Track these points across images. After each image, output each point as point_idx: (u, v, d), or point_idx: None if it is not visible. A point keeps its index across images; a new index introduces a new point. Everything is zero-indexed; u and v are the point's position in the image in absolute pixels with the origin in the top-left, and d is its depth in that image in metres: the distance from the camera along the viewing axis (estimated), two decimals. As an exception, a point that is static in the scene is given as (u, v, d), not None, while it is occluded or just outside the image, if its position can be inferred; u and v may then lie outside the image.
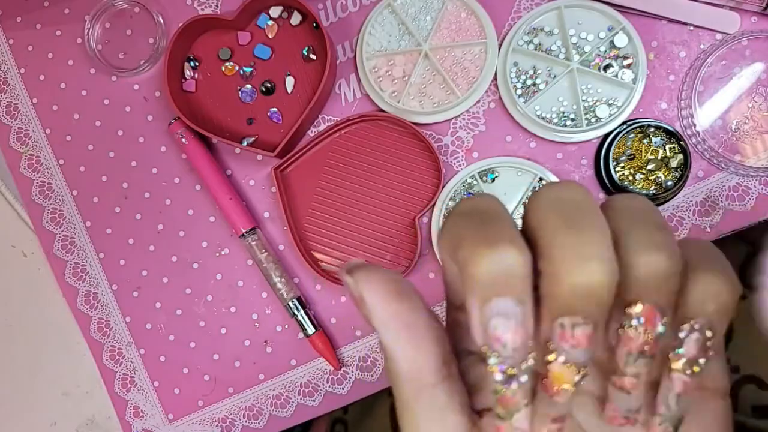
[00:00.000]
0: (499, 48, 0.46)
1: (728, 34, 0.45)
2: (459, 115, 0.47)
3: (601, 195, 0.46)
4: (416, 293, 0.17)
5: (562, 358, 0.15)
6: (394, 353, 0.16)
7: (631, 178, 0.45)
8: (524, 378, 0.16)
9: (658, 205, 0.45)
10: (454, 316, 0.20)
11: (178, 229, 0.50)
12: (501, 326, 0.15)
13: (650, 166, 0.45)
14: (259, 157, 0.49)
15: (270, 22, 0.49)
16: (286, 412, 0.49)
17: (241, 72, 0.49)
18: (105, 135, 0.51)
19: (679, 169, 0.45)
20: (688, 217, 0.45)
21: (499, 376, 0.15)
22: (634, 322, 0.15)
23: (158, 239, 0.50)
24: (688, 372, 0.16)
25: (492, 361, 0.15)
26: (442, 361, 0.17)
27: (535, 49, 0.46)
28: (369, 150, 0.48)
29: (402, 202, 0.47)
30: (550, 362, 0.16)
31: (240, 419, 0.50)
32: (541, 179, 0.46)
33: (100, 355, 0.51)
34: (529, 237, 0.18)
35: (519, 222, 0.22)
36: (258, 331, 0.49)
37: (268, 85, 0.49)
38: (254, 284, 0.50)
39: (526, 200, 0.46)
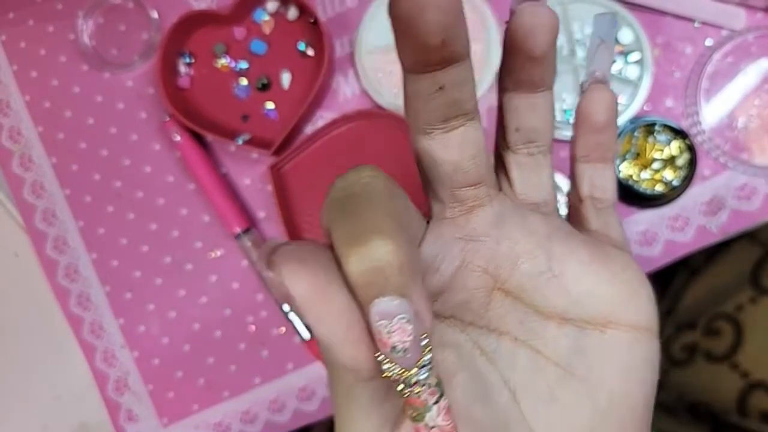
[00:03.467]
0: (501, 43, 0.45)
1: (734, 30, 0.44)
2: (460, 113, 0.46)
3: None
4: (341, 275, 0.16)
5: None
6: (331, 348, 0.15)
7: (636, 176, 0.44)
8: (424, 375, 0.15)
9: (664, 204, 0.44)
10: None
11: (172, 229, 0.49)
12: (384, 329, 0.14)
13: (656, 165, 0.44)
14: (255, 156, 0.48)
15: (266, 17, 0.48)
16: (283, 416, 0.48)
17: (237, 68, 0.48)
18: (98, 133, 0.50)
19: (685, 168, 0.44)
20: (695, 217, 0.44)
21: (399, 385, 0.15)
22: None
23: (152, 239, 0.49)
24: None
25: (385, 367, 0.15)
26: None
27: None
28: (367, 148, 0.47)
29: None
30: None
31: (236, 423, 0.49)
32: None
33: (92, 357, 0.50)
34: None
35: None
36: (254, 334, 0.48)
37: (264, 81, 0.48)
38: (250, 286, 0.48)
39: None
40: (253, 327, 0.49)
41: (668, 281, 0.59)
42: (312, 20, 0.47)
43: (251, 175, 0.49)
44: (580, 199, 0.21)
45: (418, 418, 0.15)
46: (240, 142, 0.47)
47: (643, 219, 0.45)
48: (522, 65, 0.18)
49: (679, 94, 0.45)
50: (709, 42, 0.45)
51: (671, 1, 0.44)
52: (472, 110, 0.18)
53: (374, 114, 0.47)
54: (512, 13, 0.17)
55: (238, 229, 0.47)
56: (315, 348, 0.46)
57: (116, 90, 0.50)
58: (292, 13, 0.47)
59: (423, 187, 0.20)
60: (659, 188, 0.44)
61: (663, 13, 0.45)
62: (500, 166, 0.21)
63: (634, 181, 0.44)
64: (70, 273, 0.50)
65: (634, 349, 0.19)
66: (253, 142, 0.47)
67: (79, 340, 0.50)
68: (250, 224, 0.47)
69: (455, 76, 0.16)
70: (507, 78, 0.19)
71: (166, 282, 0.49)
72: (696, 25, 0.45)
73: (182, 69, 0.49)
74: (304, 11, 0.47)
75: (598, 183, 0.21)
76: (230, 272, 0.49)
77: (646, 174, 0.44)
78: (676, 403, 0.54)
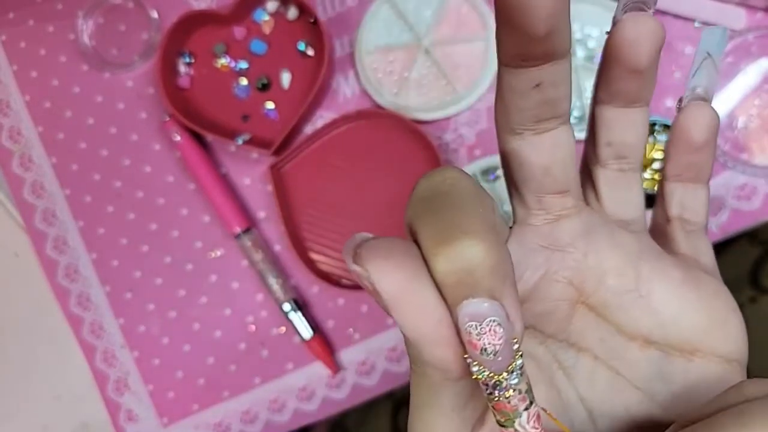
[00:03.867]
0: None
1: (734, 30, 0.44)
2: (460, 112, 0.46)
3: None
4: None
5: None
6: (419, 347, 0.14)
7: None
8: (515, 380, 0.14)
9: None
10: None
11: (172, 229, 0.49)
12: (474, 331, 0.13)
13: (656, 165, 0.44)
14: (255, 156, 0.48)
15: (266, 17, 0.48)
16: (283, 416, 0.48)
17: (237, 68, 0.48)
18: (98, 133, 0.50)
19: (685, 168, 0.43)
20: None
21: (488, 389, 0.14)
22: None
23: (152, 239, 0.49)
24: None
25: (474, 370, 0.14)
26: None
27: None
28: (367, 148, 0.47)
29: (401, 201, 0.46)
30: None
31: (236, 423, 0.49)
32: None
33: (92, 357, 0.50)
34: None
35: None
36: (254, 334, 0.48)
37: (264, 81, 0.48)
38: (250, 286, 0.48)
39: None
40: (253, 327, 0.49)
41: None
42: (312, 20, 0.47)
43: (251, 175, 0.49)
44: (667, 219, 0.20)
45: (507, 424, 0.14)
46: (240, 142, 0.47)
47: (643, 219, 0.45)
48: (621, 77, 0.17)
49: (680, 94, 0.45)
50: (709, 42, 0.45)
51: (671, 1, 0.44)
52: (565, 112, 0.17)
53: (374, 114, 0.46)
54: (615, 22, 0.17)
55: (238, 229, 0.47)
56: (315, 348, 0.46)
57: (116, 90, 0.50)
58: (292, 12, 0.47)
59: (508, 190, 0.19)
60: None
61: (663, 12, 0.45)
62: (588, 180, 0.20)
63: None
64: (70, 273, 0.50)
65: (722, 383, 0.18)
66: (253, 142, 0.47)
67: (79, 340, 0.50)
68: (250, 224, 0.47)
69: (554, 75, 0.16)
70: (602, 89, 0.18)
71: (166, 282, 0.49)
72: (696, 24, 0.45)
73: (182, 69, 0.49)
74: (304, 11, 0.47)
75: (690, 204, 0.20)
76: (230, 272, 0.49)
77: (646, 174, 0.44)
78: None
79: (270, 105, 0.48)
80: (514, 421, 0.14)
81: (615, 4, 0.47)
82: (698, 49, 0.19)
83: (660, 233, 0.21)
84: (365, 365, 0.47)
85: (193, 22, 0.47)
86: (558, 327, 0.19)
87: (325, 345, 0.47)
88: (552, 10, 0.14)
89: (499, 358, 0.14)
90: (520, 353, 0.14)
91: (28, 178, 0.51)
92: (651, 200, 0.45)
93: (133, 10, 0.50)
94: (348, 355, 0.48)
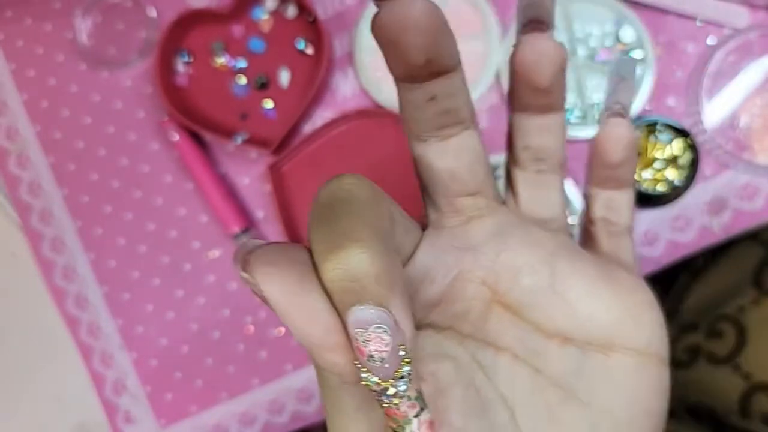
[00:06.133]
0: (502, 42, 0.45)
1: (737, 29, 0.44)
2: (460, 112, 0.46)
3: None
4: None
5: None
6: (313, 353, 0.15)
7: (638, 176, 0.43)
8: (402, 387, 0.14)
9: (666, 203, 0.44)
10: None
11: (170, 230, 0.49)
12: (361, 338, 0.14)
13: (657, 165, 0.43)
14: (254, 155, 0.48)
15: (265, 15, 0.47)
16: (281, 418, 0.48)
17: (235, 66, 0.48)
18: (95, 132, 0.50)
19: (687, 168, 0.43)
20: (696, 217, 0.44)
21: (375, 394, 0.14)
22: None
23: (150, 240, 0.49)
24: None
25: (363, 376, 0.14)
26: None
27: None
28: (367, 147, 0.46)
29: (400, 201, 0.46)
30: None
31: (234, 425, 0.48)
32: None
33: (90, 359, 0.50)
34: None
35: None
36: (252, 335, 0.48)
37: (263, 79, 0.47)
38: (248, 287, 0.48)
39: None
40: (251, 328, 0.48)
41: (671, 283, 0.59)
42: (311, 18, 0.46)
43: (250, 175, 0.48)
44: (591, 221, 0.21)
45: (398, 430, 0.15)
46: (238, 141, 0.46)
47: (644, 219, 0.44)
48: (528, 94, 0.18)
49: (681, 93, 0.45)
50: (711, 40, 0.44)
51: (673, 0, 0.44)
52: (467, 118, 0.17)
53: (374, 113, 0.46)
54: (516, 43, 0.17)
55: (236, 229, 0.46)
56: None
57: (114, 89, 0.50)
58: (291, 11, 0.47)
59: (421, 194, 0.20)
60: (661, 188, 0.43)
61: (665, 11, 0.44)
62: (509, 180, 0.20)
63: (635, 180, 0.43)
64: (68, 273, 0.50)
65: (640, 377, 0.18)
66: (252, 141, 0.47)
67: (76, 341, 0.50)
68: (249, 224, 0.47)
69: (447, 87, 0.16)
70: (514, 100, 0.18)
71: (164, 282, 0.49)
72: (698, 23, 0.44)
73: (180, 68, 0.48)
74: (303, 9, 0.47)
75: (614, 205, 0.20)
76: (228, 273, 0.48)
77: (647, 174, 0.43)
78: (677, 404, 0.54)
79: (269, 104, 0.47)
80: (404, 428, 0.15)
81: (618, 3, 0.46)
82: (612, 73, 0.20)
83: (585, 235, 0.21)
84: (364, 366, 0.47)
85: (192, 20, 0.47)
86: (474, 327, 0.19)
87: (324, 346, 0.46)
88: (425, 41, 0.15)
89: (386, 365, 0.14)
90: (408, 360, 0.14)
91: (26, 178, 0.51)
92: (651, 200, 0.45)
93: (131, 8, 0.50)
94: (347, 357, 0.47)
